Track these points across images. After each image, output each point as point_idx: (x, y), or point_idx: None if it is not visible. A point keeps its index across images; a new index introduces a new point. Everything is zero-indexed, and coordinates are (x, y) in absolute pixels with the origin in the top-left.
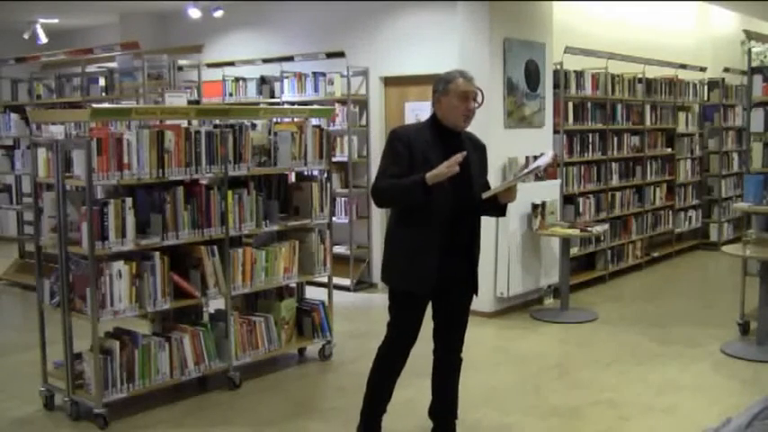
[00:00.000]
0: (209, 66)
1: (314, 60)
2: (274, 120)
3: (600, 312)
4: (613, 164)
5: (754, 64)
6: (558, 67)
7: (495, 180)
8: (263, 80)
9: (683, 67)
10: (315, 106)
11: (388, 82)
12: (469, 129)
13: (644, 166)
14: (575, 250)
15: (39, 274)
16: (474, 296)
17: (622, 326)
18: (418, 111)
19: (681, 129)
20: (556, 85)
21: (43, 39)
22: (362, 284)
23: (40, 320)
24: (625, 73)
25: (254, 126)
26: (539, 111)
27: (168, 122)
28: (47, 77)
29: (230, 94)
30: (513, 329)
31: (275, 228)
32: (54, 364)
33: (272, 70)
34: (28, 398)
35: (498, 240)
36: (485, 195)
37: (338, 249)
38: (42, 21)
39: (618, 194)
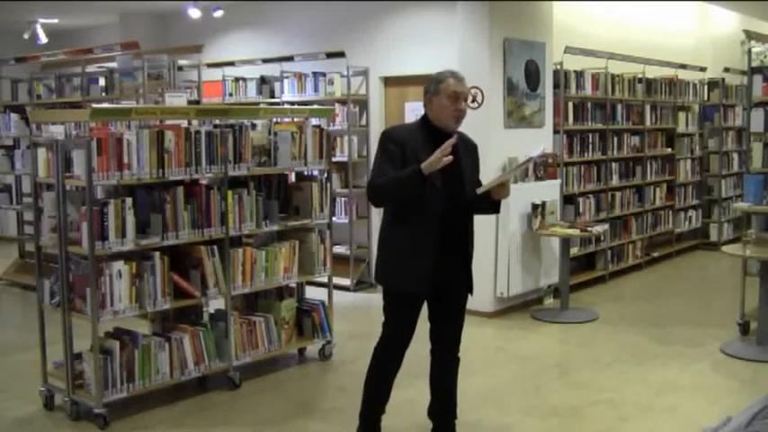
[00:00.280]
0: (209, 66)
1: (314, 60)
2: (274, 120)
3: (600, 312)
4: (613, 164)
5: (754, 64)
6: (558, 67)
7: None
8: (263, 80)
9: (683, 67)
10: (315, 106)
11: (388, 82)
12: (471, 128)
13: (644, 166)
14: (575, 250)
15: (39, 274)
16: (469, 295)
17: (622, 326)
18: (418, 111)
19: (681, 129)
20: (556, 85)
21: (43, 39)
22: (362, 284)
23: (40, 320)
24: (625, 73)
25: (254, 126)
26: (539, 111)
27: (168, 122)
28: (47, 77)
29: (230, 94)
30: (513, 329)
31: (275, 228)
32: (54, 364)
33: (272, 70)
34: (28, 398)
35: (498, 240)
36: (479, 191)
37: (338, 249)
38: (42, 21)
39: (618, 194)
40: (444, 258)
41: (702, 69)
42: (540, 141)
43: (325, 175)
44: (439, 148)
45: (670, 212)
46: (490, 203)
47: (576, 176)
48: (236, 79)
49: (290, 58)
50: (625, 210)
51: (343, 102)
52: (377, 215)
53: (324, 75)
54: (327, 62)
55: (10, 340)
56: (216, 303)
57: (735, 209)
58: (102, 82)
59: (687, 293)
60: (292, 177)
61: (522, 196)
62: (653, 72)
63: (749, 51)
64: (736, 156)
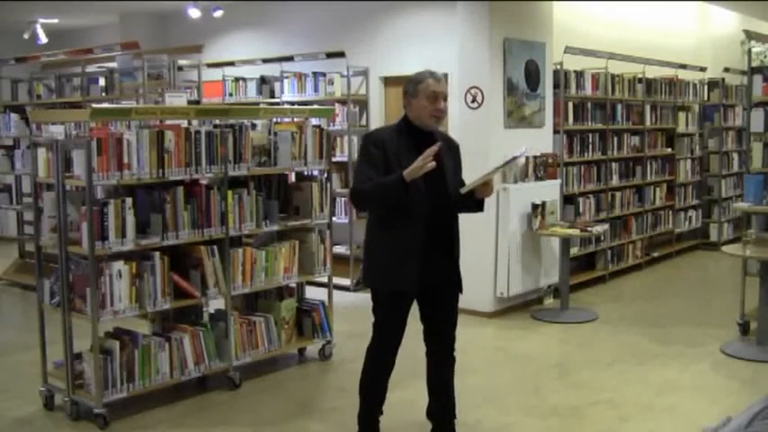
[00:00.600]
0: (209, 66)
1: (314, 60)
2: (274, 120)
3: (600, 312)
4: (613, 164)
5: (754, 64)
6: (558, 67)
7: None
8: (263, 80)
9: (683, 67)
10: (315, 106)
11: (388, 82)
12: (471, 128)
13: (644, 166)
14: (575, 250)
15: (39, 274)
16: (460, 294)
17: (622, 326)
18: None
19: (681, 129)
20: (556, 85)
21: (43, 39)
22: (362, 284)
23: (40, 320)
24: (625, 73)
25: (254, 126)
26: (539, 111)
27: (168, 122)
28: (47, 77)
29: (230, 94)
30: (513, 329)
31: (275, 228)
32: (54, 364)
33: (272, 70)
34: (28, 398)
35: (498, 240)
36: (462, 190)
37: (338, 249)
38: (42, 21)
39: (618, 194)
40: (431, 259)
41: (702, 69)
42: (544, 145)
43: (325, 175)
44: (421, 156)
45: (670, 212)
46: (474, 202)
47: (575, 176)
48: (236, 79)
49: (290, 58)
50: (625, 210)
51: (343, 102)
52: None
53: (324, 75)
54: (327, 62)
55: (10, 340)
56: (216, 303)
57: (735, 209)
58: (102, 82)
59: (687, 293)
60: (292, 177)
61: (522, 196)
62: (653, 72)
63: (749, 51)
64: (736, 156)
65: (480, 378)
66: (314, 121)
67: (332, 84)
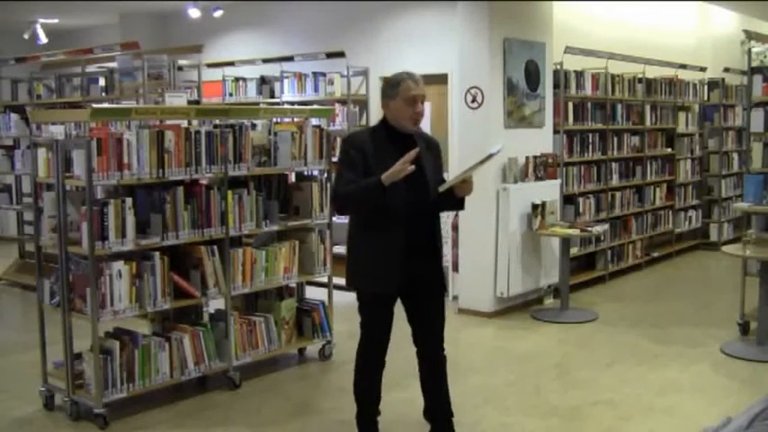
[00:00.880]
0: (209, 66)
1: (314, 60)
2: (274, 120)
3: (600, 312)
4: (613, 164)
5: (754, 64)
6: (558, 67)
7: (492, 179)
8: (263, 80)
9: (683, 67)
10: (315, 106)
11: None
12: (471, 128)
13: (644, 166)
14: (575, 250)
15: (39, 274)
16: (444, 293)
17: (622, 326)
18: None
19: (681, 129)
20: (556, 85)
21: (43, 39)
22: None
23: (40, 320)
24: (625, 73)
25: (254, 126)
26: (539, 111)
27: (168, 122)
28: (47, 77)
29: (230, 94)
30: (513, 329)
31: (275, 228)
32: (54, 364)
33: (272, 70)
34: (28, 398)
35: (498, 240)
36: (441, 189)
37: (338, 249)
38: (42, 21)
39: (618, 194)
40: (413, 260)
41: (702, 69)
42: (544, 145)
43: (325, 175)
44: (399, 161)
45: (670, 212)
46: (454, 200)
47: (575, 176)
48: (236, 79)
49: (290, 58)
50: (625, 210)
51: (343, 102)
52: None
53: (324, 75)
54: (327, 62)
55: (10, 340)
56: (216, 303)
57: (735, 209)
58: (102, 82)
59: (687, 293)
60: (292, 177)
61: (522, 196)
62: (653, 72)
63: (749, 51)
64: (736, 156)
65: (480, 378)
66: (314, 121)
67: (332, 84)
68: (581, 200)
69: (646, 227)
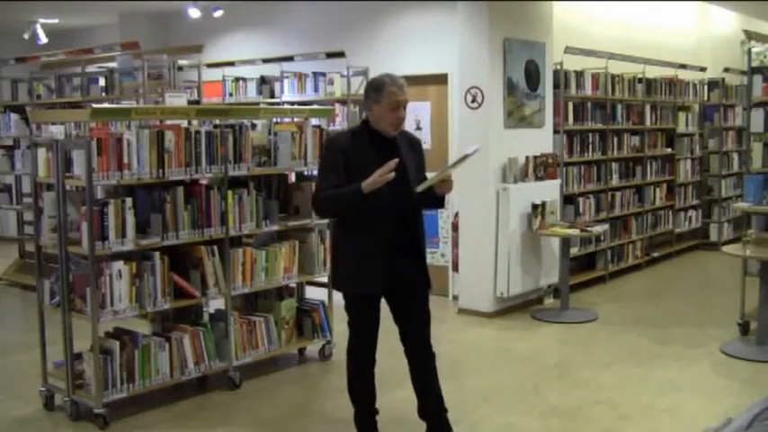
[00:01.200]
0: (209, 66)
1: (314, 60)
2: (274, 120)
3: (600, 312)
4: (613, 164)
5: (754, 64)
6: (558, 67)
7: (492, 179)
8: (263, 80)
9: (683, 67)
10: (315, 106)
11: None
12: (471, 128)
13: (644, 166)
14: (575, 250)
15: (39, 274)
16: (429, 290)
17: (622, 326)
18: (417, 111)
19: (681, 129)
20: (556, 85)
21: (43, 39)
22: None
23: (40, 320)
24: (625, 73)
25: (254, 126)
26: (539, 111)
27: (168, 122)
28: (47, 77)
29: (230, 94)
30: (513, 329)
31: (275, 228)
32: (54, 364)
33: (272, 70)
34: (28, 398)
35: (498, 240)
36: (419, 189)
37: None
38: (42, 21)
39: (618, 194)
40: (397, 259)
41: (702, 69)
42: (544, 145)
43: None
44: (379, 169)
45: (670, 212)
46: (434, 199)
47: (575, 176)
48: (236, 79)
49: (290, 58)
50: (625, 210)
51: (343, 102)
52: None
53: (324, 75)
54: (327, 62)
55: (10, 340)
56: (216, 303)
57: (735, 209)
58: (102, 82)
59: (687, 293)
60: (292, 177)
61: (522, 196)
62: (653, 72)
63: (749, 51)
64: (736, 156)
65: (480, 378)
66: (314, 121)
67: (332, 84)
68: (581, 200)
69: (646, 227)
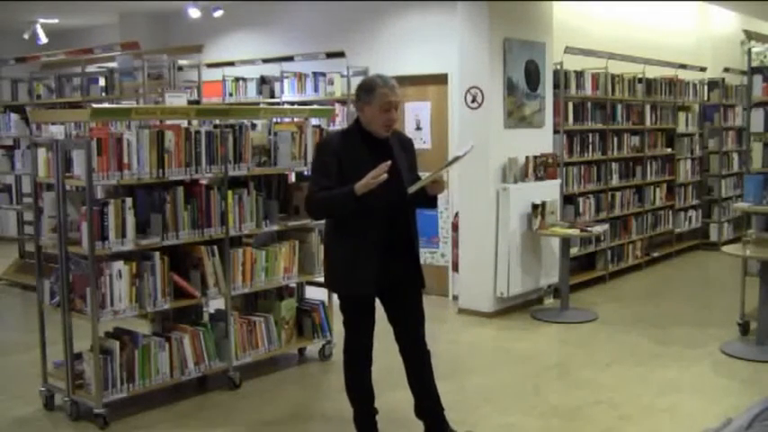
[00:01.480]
0: (209, 66)
1: (314, 60)
2: (274, 120)
3: (600, 312)
4: (613, 164)
5: (754, 64)
6: (558, 67)
7: (492, 179)
8: (263, 80)
9: (683, 67)
10: (315, 106)
11: None
12: (471, 128)
13: (644, 166)
14: (575, 250)
15: (39, 274)
16: (422, 289)
17: (622, 326)
18: (418, 111)
19: (681, 129)
20: (556, 85)
21: (43, 39)
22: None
23: (40, 320)
24: (625, 73)
25: (254, 126)
26: (539, 111)
27: (168, 122)
28: (47, 77)
29: (230, 94)
30: (513, 329)
31: (275, 228)
32: (54, 364)
33: (272, 70)
34: (28, 398)
35: (498, 240)
36: (411, 189)
37: None
38: (42, 21)
39: (618, 194)
40: (390, 259)
41: (702, 69)
42: (544, 145)
43: None
44: (371, 173)
45: (670, 212)
46: (426, 199)
47: (575, 176)
48: (236, 79)
49: (290, 58)
50: (625, 210)
51: (343, 102)
52: None
53: (324, 75)
54: (327, 62)
55: (10, 340)
56: (216, 303)
57: (735, 209)
58: (102, 82)
59: (687, 293)
60: (292, 177)
61: (522, 196)
62: (653, 72)
63: (749, 51)
64: (736, 156)
65: (480, 378)
66: (314, 121)
67: (332, 84)
68: (581, 200)
69: (646, 227)
